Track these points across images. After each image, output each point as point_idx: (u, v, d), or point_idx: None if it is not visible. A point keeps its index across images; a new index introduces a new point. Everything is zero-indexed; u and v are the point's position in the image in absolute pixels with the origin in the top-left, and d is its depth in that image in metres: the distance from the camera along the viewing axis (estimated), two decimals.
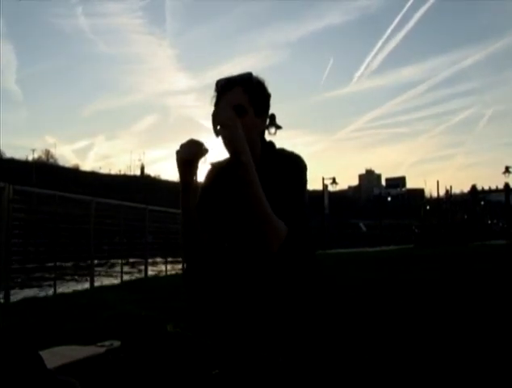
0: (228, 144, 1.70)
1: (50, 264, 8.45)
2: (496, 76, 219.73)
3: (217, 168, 1.98)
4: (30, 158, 78.73)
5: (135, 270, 11.83)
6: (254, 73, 1.97)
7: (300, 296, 1.82)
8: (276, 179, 1.82)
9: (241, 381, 1.74)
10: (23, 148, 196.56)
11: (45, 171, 63.05)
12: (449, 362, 2.36)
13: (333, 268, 8.99)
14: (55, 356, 2.27)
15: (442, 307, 4.00)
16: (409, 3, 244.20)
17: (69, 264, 9.83)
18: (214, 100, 1.92)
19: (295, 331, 1.83)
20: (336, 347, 2.59)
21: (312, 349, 1.90)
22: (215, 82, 1.94)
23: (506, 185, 40.52)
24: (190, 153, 1.68)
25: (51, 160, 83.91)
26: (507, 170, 32.27)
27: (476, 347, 2.58)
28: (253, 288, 1.83)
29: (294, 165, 1.89)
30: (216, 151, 1.79)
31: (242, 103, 1.86)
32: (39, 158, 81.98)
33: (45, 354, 2.05)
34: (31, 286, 8.58)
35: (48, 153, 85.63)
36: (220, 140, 1.73)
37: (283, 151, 1.96)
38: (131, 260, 11.96)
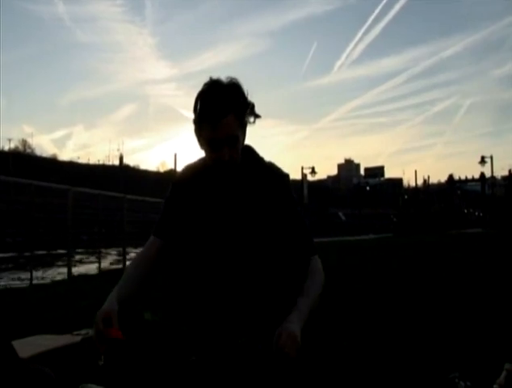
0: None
1: (27, 254, 8.35)
2: (474, 67, 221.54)
3: (192, 168, 1.98)
4: (6, 147, 77.61)
5: (113, 259, 11.76)
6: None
7: (280, 285, 1.83)
8: (263, 193, 1.83)
9: (219, 368, 1.74)
10: None
11: (22, 161, 62.04)
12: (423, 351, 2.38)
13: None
14: (29, 346, 2.24)
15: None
16: None
17: (46, 254, 9.74)
18: (196, 114, 1.79)
19: (274, 318, 1.83)
20: (317, 335, 2.60)
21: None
22: (196, 98, 1.79)
23: (482, 175, 41.16)
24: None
25: (28, 150, 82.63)
26: (483, 160, 32.68)
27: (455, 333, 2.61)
28: (233, 279, 1.83)
29: (282, 183, 1.89)
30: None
31: (236, 133, 1.79)
32: (16, 147, 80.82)
33: (19, 344, 2.02)
34: (7, 276, 8.49)
35: (25, 142, 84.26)
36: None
37: (271, 166, 1.94)
38: (109, 250, 11.91)
